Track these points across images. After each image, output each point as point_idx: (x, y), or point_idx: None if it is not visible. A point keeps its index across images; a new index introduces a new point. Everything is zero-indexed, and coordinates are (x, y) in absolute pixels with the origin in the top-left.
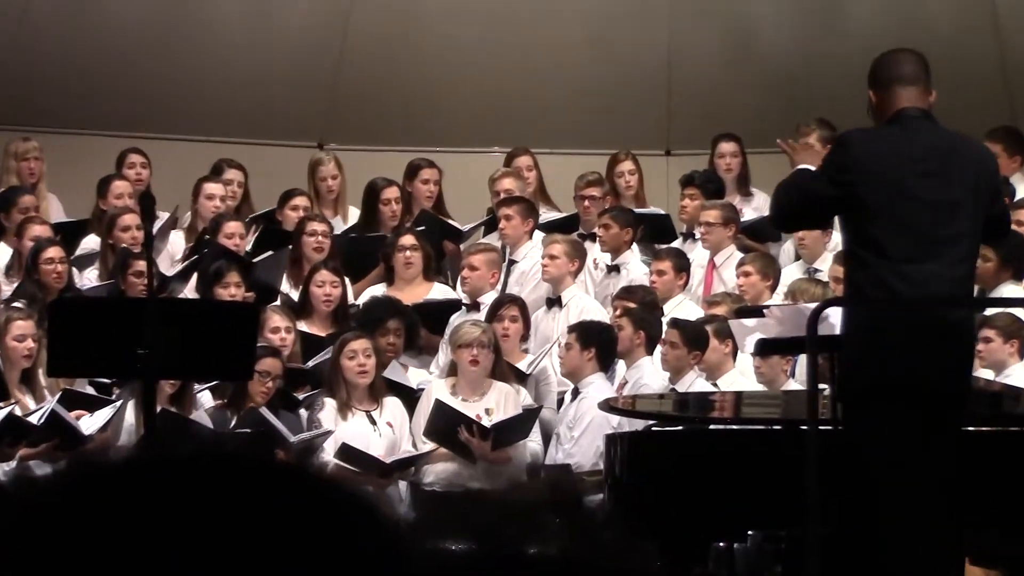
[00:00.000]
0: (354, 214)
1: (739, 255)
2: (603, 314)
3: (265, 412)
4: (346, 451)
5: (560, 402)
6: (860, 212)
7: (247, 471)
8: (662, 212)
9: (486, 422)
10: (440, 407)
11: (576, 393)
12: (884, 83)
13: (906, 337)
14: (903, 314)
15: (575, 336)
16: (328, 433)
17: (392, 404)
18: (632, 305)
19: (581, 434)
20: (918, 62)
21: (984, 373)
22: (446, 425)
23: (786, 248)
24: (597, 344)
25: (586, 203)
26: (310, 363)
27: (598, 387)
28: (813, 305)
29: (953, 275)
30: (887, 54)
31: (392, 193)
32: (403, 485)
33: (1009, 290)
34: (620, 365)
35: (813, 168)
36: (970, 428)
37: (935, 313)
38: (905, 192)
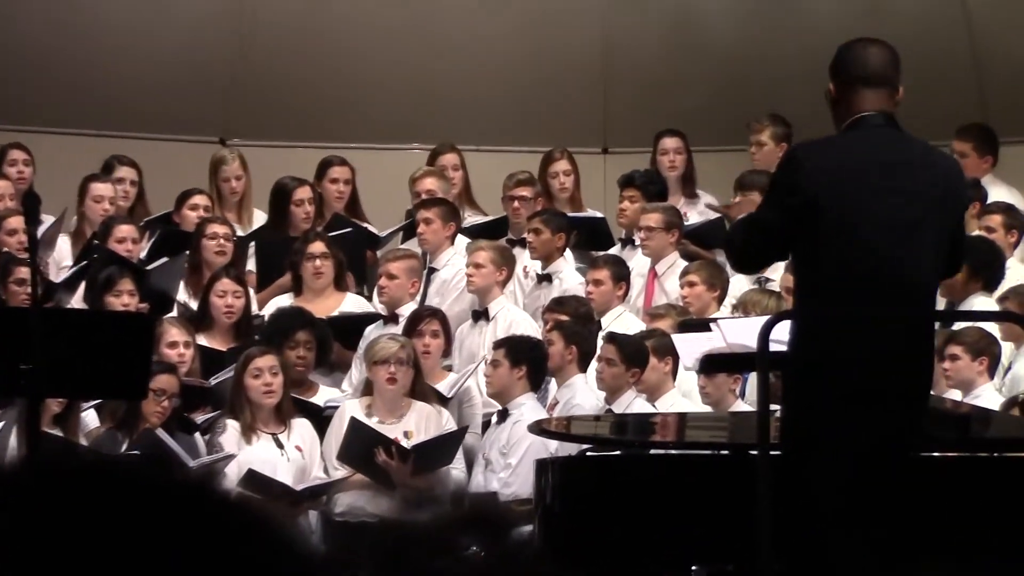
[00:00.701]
0: (259, 217)
1: (683, 263)
2: (534, 328)
3: (161, 434)
4: (251, 478)
5: (486, 425)
6: (812, 233)
7: (144, 489)
8: (599, 215)
9: (405, 444)
10: (356, 426)
11: (504, 415)
12: (846, 80)
13: (860, 351)
14: (859, 325)
15: (503, 352)
16: (230, 457)
17: (301, 426)
18: (564, 318)
19: (519, 461)
20: (888, 59)
21: (951, 394)
22: (362, 447)
23: None
24: (528, 361)
25: (515, 205)
26: (211, 381)
27: (531, 409)
28: (765, 318)
29: (913, 316)
30: (853, 46)
31: (304, 193)
32: (313, 515)
33: (979, 302)
34: (551, 384)
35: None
36: (935, 454)
37: (893, 327)
38: (865, 211)
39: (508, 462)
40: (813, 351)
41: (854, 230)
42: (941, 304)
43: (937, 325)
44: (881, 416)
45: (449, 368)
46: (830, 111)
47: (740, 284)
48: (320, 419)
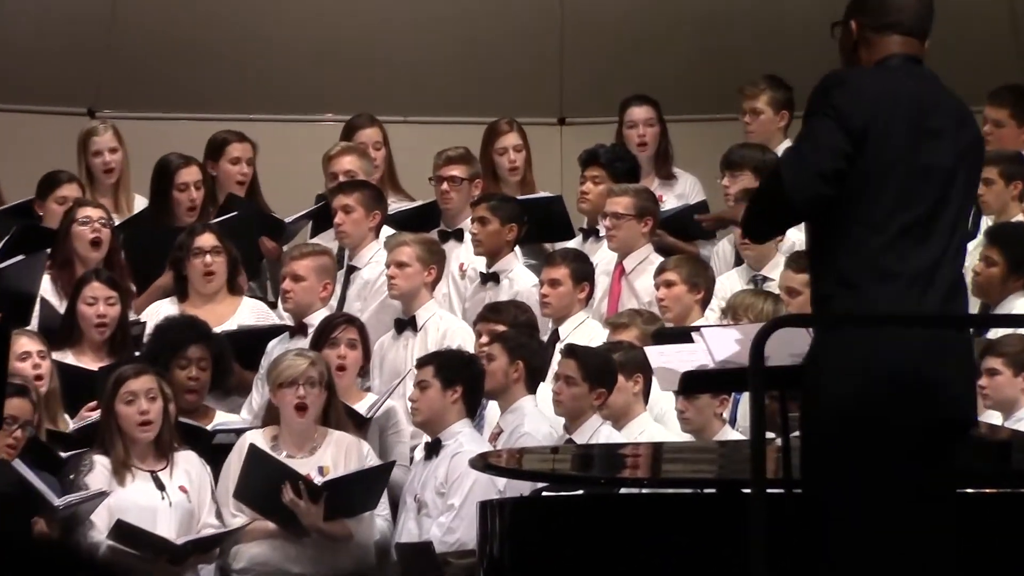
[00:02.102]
0: (142, 204)
1: (658, 258)
2: (473, 339)
3: (20, 467)
4: (123, 529)
5: (412, 459)
6: (857, 174)
7: None
8: (555, 199)
9: (319, 483)
10: (256, 457)
11: (436, 447)
12: (875, 24)
13: (901, 354)
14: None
15: (432, 371)
16: (103, 495)
17: (186, 461)
18: (501, 328)
19: (463, 502)
20: (925, 4)
21: (988, 416)
22: (265, 483)
23: (722, 249)
24: (464, 381)
25: (444, 187)
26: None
27: (470, 439)
28: (759, 326)
29: (956, 268)
30: None
31: (190, 175)
32: (208, 571)
33: (1021, 304)
34: (490, 408)
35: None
36: (969, 490)
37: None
38: (913, 155)
39: (449, 503)
40: (847, 357)
41: (907, 175)
42: (975, 307)
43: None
44: (930, 443)
45: (368, 389)
46: (841, 52)
47: (730, 283)
48: (211, 450)
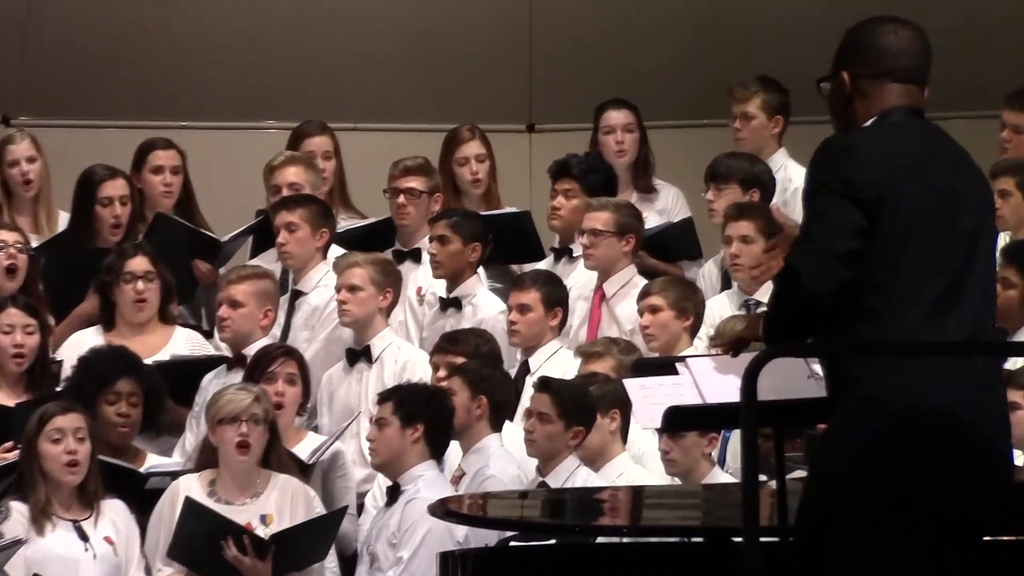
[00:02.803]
0: (65, 220)
1: (642, 281)
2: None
3: None
4: None
5: (360, 507)
6: (880, 250)
7: None
8: (523, 214)
9: (263, 533)
10: (193, 510)
11: (395, 492)
12: (870, 73)
13: (944, 418)
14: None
15: (392, 406)
16: (19, 543)
17: (113, 510)
18: (460, 360)
19: (414, 554)
20: (923, 49)
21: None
22: (204, 537)
23: (708, 271)
24: (427, 418)
25: (401, 200)
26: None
27: (430, 483)
28: (752, 355)
29: (985, 328)
30: (880, 29)
31: (115, 188)
32: None
33: None
34: (453, 448)
35: None
36: (986, 538)
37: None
38: (933, 218)
39: (399, 556)
40: (879, 397)
41: (927, 239)
42: None
43: None
44: (959, 493)
45: (316, 429)
46: (832, 110)
47: (720, 308)
48: (142, 496)
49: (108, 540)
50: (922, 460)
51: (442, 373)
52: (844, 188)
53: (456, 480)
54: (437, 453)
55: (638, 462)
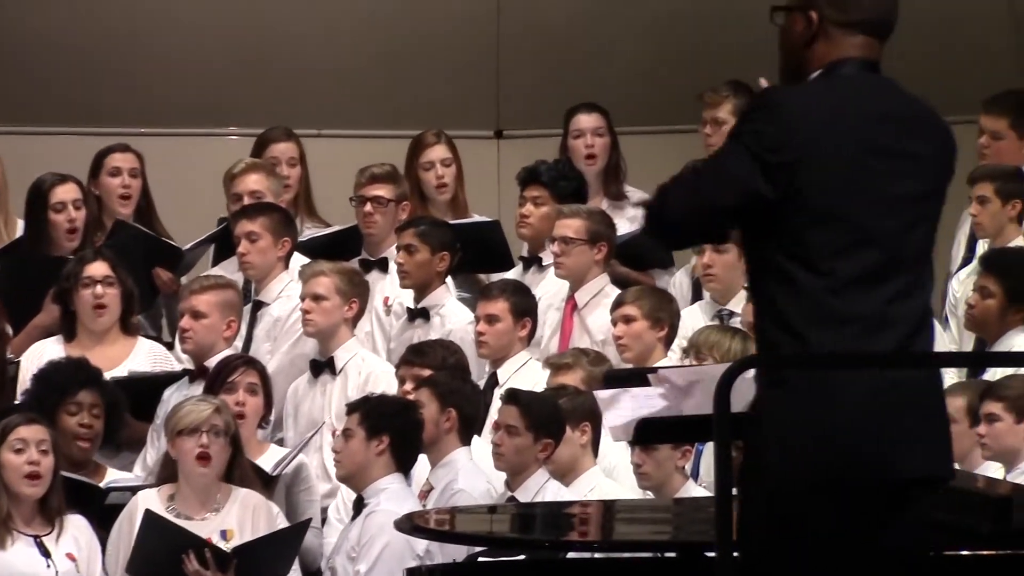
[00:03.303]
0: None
1: (615, 291)
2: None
3: None
4: None
5: (323, 521)
6: (795, 211)
7: None
8: (491, 222)
9: (224, 547)
10: (153, 524)
11: (360, 505)
12: (843, 17)
13: (864, 405)
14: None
15: (357, 418)
16: None
17: (75, 526)
18: (427, 372)
19: (371, 568)
20: (894, 2)
21: (987, 469)
22: (163, 552)
23: (679, 281)
24: (393, 430)
25: (368, 208)
26: None
27: (393, 496)
28: (725, 366)
29: (922, 301)
30: None
31: (67, 193)
32: None
33: (1022, 340)
34: (421, 462)
35: None
36: (963, 552)
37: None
38: (866, 181)
39: (356, 569)
40: (792, 407)
41: (856, 205)
42: (969, 343)
43: (964, 373)
44: (892, 506)
45: (280, 442)
46: (785, 45)
47: (693, 319)
48: (103, 512)
49: (70, 556)
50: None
51: (408, 386)
52: (758, 147)
53: (424, 494)
54: (403, 466)
55: (609, 475)
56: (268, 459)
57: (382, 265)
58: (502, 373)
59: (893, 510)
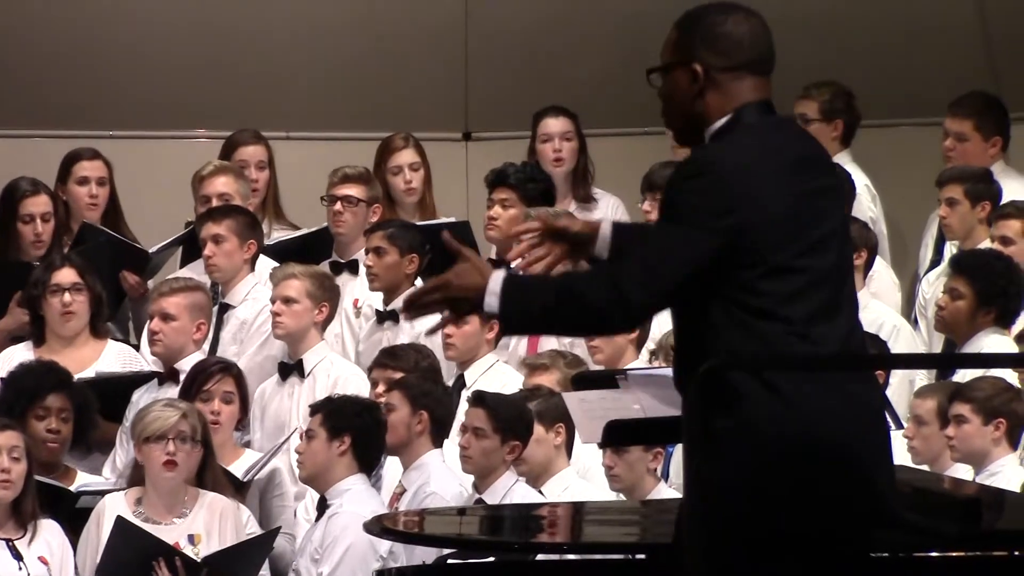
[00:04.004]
0: None
1: None
2: (368, 386)
3: None
4: None
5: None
6: (747, 266)
7: None
8: (459, 222)
9: (191, 553)
10: (122, 530)
11: (323, 507)
12: (728, 62)
13: (824, 415)
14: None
15: (320, 420)
16: None
17: (48, 530)
18: (399, 375)
19: (334, 570)
20: (770, 37)
21: (956, 470)
22: (135, 558)
23: None
24: (354, 431)
25: (337, 208)
26: None
27: (356, 497)
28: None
29: (860, 333)
30: (731, 14)
31: (37, 205)
32: None
33: (992, 342)
34: (392, 464)
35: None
36: (932, 553)
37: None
38: (801, 226)
39: (320, 571)
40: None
41: (796, 249)
42: (938, 344)
43: (934, 375)
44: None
45: (248, 445)
46: (673, 104)
47: (658, 322)
48: (73, 515)
49: (43, 560)
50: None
51: (381, 388)
52: (700, 215)
53: (397, 497)
54: (366, 467)
55: (583, 477)
56: (243, 464)
57: (352, 267)
58: (469, 375)
59: (852, 517)
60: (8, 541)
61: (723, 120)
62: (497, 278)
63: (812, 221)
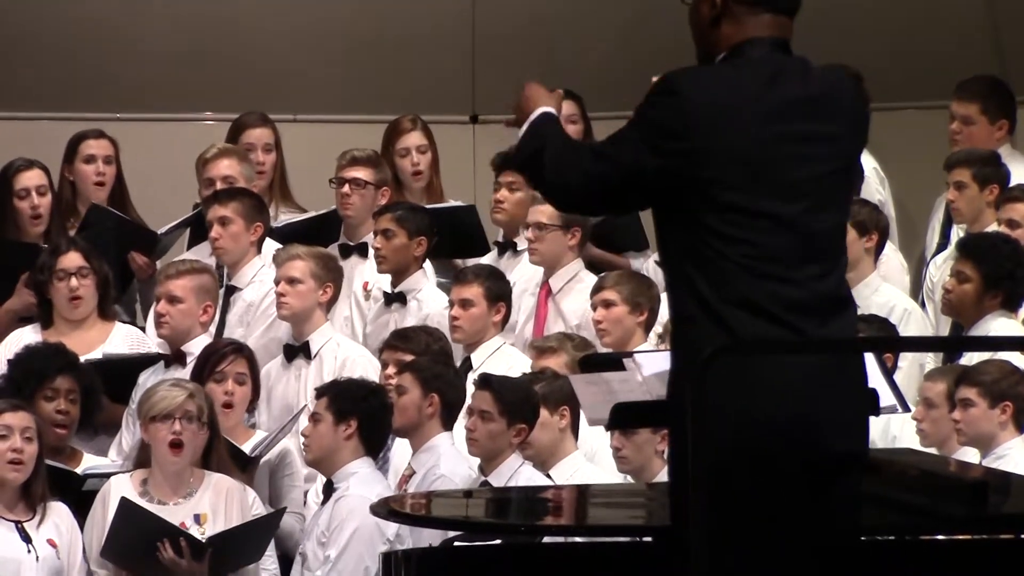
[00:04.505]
0: None
1: (590, 278)
2: (376, 368)
3: None
4: None
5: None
6: (700, 200)
7: None
8: (466, 207)
9: (197, 534)
10: (128, 511)
11: (330, 490)
12: None
13: (782, 380)
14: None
15: (326, 403)
16: None
17: (57, 512)
18: (410, 357)
19: (341, 553)
20: None
21: (963, 454)
22: (140, 539)
23: (653, 264)
24: (360, 415)
25: (345, 190)
26: None
27: (363, 480)
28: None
29: (836, 279)
30: None
31: (31, 179)
32: None
33: (999, 326)
34: (400, 447)
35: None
36: (939, 536)
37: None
38: (770, 168)
39: (327, 554)
40: (718, 393)
41: (760, 190)
42: (945, 328)
43: (941, 357)
44: (817, 450)
45: (254, 426)
46: (693, 27)
47: (664, 305)
48: (79, 498)
49: (51, 543)
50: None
51: (392, 370)
52: (653, 133)
53: (406, 479)
54: (372, 450)
55: (591, 460)
56: (253, 445)
57: (362, 250)
58: (476, 358)
59: (821, 487)
60: (17, 523)
61: (723, 54)
62: (538, 112)
63: (785, 164)
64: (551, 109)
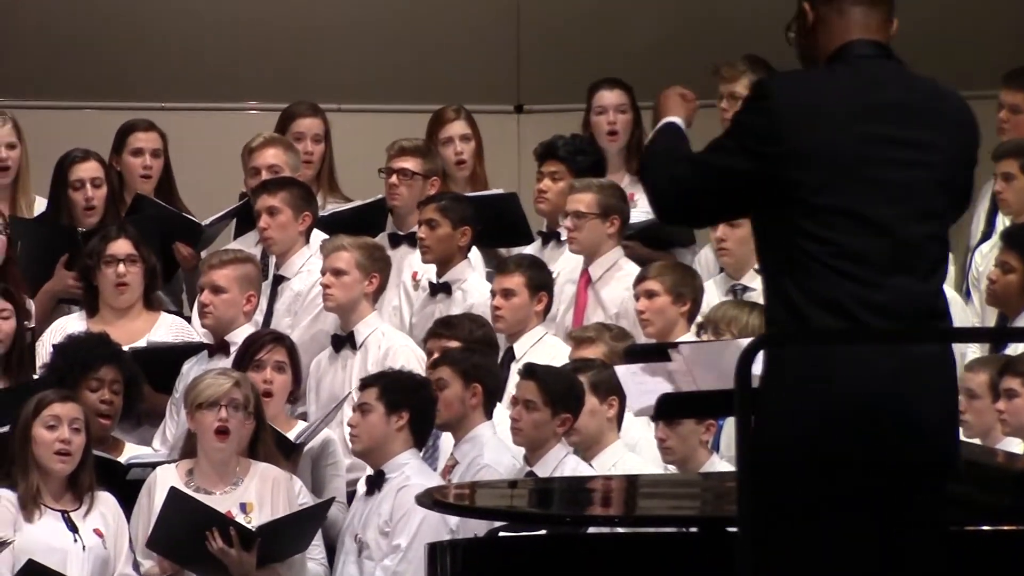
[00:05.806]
0: (42, 206)
1: (629, 265)
2: (419, 357)
3: None
4: (33, 569)
5: (352, 495)
6: (791, 202)
7: None
8: (509, 195)
9: (243, 523)
10: (176, 500)
11: (378, 481)
12: None
13: (866, 383)
14: (861, 350)
15: (376, 393)
16: (4, 545)
17: (104, 503)
18: (454, 344)
19: (411, 542)
20: None
21: (1007, 444)
22: (188, 529)
23: (705, 256)
24: (411, 407)
25: (393, 180)
26: None
27: (417, 471)
28: (745, 341)
29: (928, 290)
30: None
31: (86, 171)
32: None
33: None
34: (443, 437)
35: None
36: (983, 527)
37: (905, 347)
38: (862, 170)
39: (395, 544)
40: (792, 385)
41: (853, 194)
42: (991, 318)
43: (987, 348)
44: (902, 459)
45: (303, 417)
46: (797, 42)
47: (709, 294)
48: (123, 486)
49: (98, 532)
50: (851, 446)
51: (436, 358)
52: (745, 136)
53: (449, 469)
54: (420, 442)
55: (632, 450)
56: (295, 435)
57: (411, 240)
58: (518, 347)
59: (900, 492)
60: (64, 513)
61: (827, 58)
62: (662, 122)
63: (876, 166)
64: (677, 120)
